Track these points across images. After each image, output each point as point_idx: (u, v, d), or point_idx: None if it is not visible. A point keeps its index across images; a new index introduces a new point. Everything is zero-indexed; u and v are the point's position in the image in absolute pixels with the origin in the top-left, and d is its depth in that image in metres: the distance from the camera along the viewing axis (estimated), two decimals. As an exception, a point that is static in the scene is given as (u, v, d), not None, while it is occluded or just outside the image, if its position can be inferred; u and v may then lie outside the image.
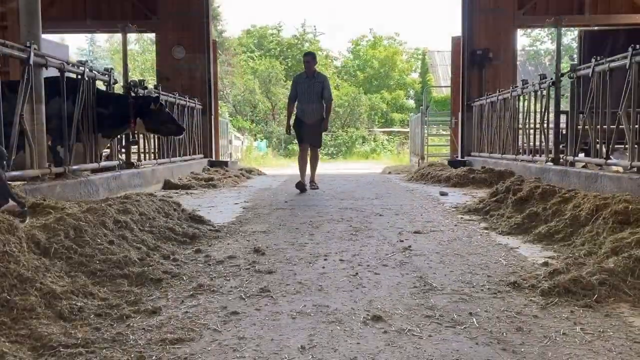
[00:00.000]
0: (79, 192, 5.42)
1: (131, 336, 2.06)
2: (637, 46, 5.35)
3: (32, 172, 4.97)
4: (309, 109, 7.90)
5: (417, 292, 2.65)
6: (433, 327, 2.17)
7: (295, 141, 8.99)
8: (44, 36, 12.05)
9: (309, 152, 8.16)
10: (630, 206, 3.44)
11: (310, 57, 8.11)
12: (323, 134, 8.23)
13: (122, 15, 11.46)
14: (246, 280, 2.88)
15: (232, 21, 71.61)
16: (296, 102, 8.07)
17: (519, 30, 11.96)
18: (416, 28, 65.81)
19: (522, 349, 1.94)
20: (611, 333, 2.08)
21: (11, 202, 3.17)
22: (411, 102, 37.23)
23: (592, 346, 1.96)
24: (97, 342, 1.99)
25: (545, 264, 3.13)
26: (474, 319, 2.24)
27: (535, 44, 38.84)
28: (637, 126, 5.44)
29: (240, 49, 34.23)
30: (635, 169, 5.33)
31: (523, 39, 38.03)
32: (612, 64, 5.81)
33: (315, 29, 38.75)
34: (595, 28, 11.76)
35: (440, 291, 2.67)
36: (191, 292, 2.65)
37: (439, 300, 2.51)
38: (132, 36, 26.95)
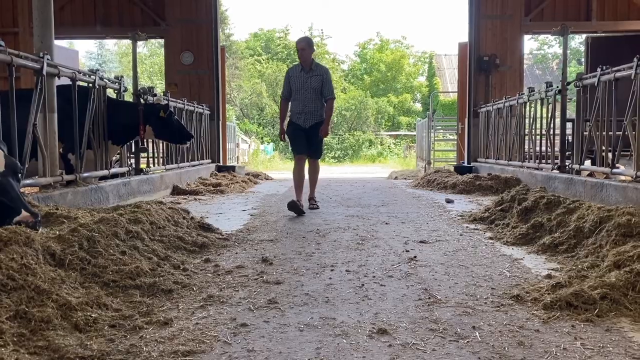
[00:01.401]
0: (89, 199, 5.52)
1: (144, 348, 2.13)
2: (643, 57, 5.39)
3: (45, 180, 5.07)
4: (306, 110, 6.40)
5: (421, 305, 2.71)
6: (437, 341, 2.22)
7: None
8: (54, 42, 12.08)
9: (306, 163, 6.65)
10: (633, 219, 3.48)
11: (305, 44, 6.49)
12: (324, 140, 6.73)
13: (132, 21, 11.61)
14: (254, 291, 2.95)
15: (240, 24, 71.83)
16: (290, 102, 6.66)
17: (526, 35, 11.98)
18: (423, 31, 65.92)
19: (523, 364, 2.00)
20: (611, 348, 2.13)
21: (24, 213, 3.25)
22: (418, 106, 37.29)
23: (591, 362, 2.02)
24: (112, 353, 2.06)
25: (549, 276, 3.18)
26: (477, 333, 2.30)
27: (543, 47, 38.81)
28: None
29: (248, 52, 34.40)
30: (640, 179, 5.36)
31: (531, 43, 38.09)
32: (618, 74, 5.85)
33: (322, 32, 38.93)
34: (602, 34, 11.79)
35: (444, 304, 2.72)
36: (201, 303, 2.72)
37: (443, 313, 2.57)
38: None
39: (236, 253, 3.96)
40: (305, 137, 6.45)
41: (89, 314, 2.37)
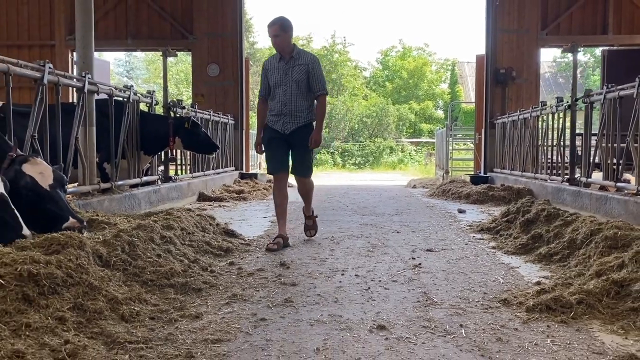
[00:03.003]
0: (123, 206, 6.00)
1: (180, 336, 2.55)
2: (644, 77, 5.67)
3: (84, 188, 5.56)
4: (286, 111, 4.92)
5: (419, 306, 3.08)
6: (427, 336, 2.60)
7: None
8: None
9: (288, 183, 5.22)
10: (619, 232, 3.79)
11: (277, 28, 4.88)
12: (314, 151, 5.18)
13: (161, 34, 12.19)
14: (273, 292, 3.35)
15: (264, 32, 72.73)
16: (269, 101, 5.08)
17: (542, 48, 12.22)
18: (446, 39, 65.99)
19: (498, 356, 2.36)
20: (576, 345, 2.48)
21: (72, 220, 3.70)
22: (440, 113, 37.43)
23: (556, 355, 2.37)
24: (154, 340, 2.48)
25: (538, 283, 3.51)
26: (463, 330, 2.67)
27: (567, 55, 38.56)
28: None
29: (271, 60, 34.91)
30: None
31: (554, 50, 37.79)
32: (622, 92, 6.13)
33: (344, 40, 39.32)
34: (619, 48, 11.97)
35: (439, 306, 3.09)
36: (227, 301, 3.13)
37: (437, 314, 2.93)
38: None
39: (257, 257, 4.37)
40: (286, 148, 5.00)
41: (132, 307, 2.80)
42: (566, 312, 2.88)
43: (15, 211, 3.14)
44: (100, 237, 3.59)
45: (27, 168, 3.71)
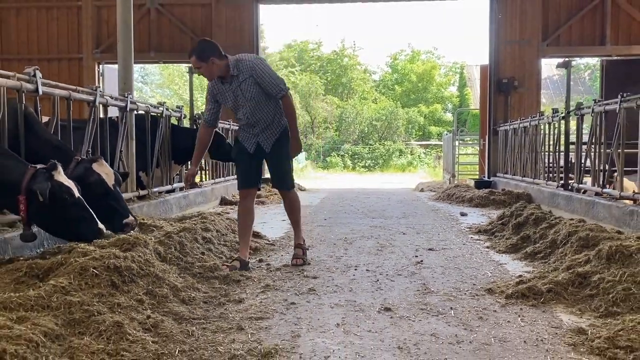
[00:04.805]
0: (159, 210, 6.74)
1: (230, 315, 3.26)
2: (625, 94, 6.32)
3: (126, 195, 6.27)
4: (258, 130, 4.55)
5: (419, 294, 3.77)
6: (424, 316, 3.29)
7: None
8: (110, 66, 13.55)
9: (255, 198, 4.99)
10: (591, 233, 4.46)
11: (194, 60, 4.47)
12: (291, 160, 4.75)
13: (182, 48, 12.93)
14: (298, 283, 4.06)
15: (274, 36, 73.54)
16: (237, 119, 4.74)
17: (543, 59, 12.85)
18: (454, 42, 66.38)
19: (477, 329, 3.05)
20: (540, 322, 3.16)
21: (130, 217, 4.42)
22: (449, 115, 37.98)
23: (522, 329, 3.05)
24: (210, 317, 3.20)
25: (520, 276, 4.17)
26: (452, 311, 3.36)
27: (574, 58, 38.95)
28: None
29: (282, 64, 35.72)
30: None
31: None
32: (607, 107, 6.79)
33: (354, 44, 39.93)
34: (617, 58, 12.56)
35: (435, 293, 3.78)
36: (261, 290, 3.84)
37: (432, 299, 3.63)
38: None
39: (281, 255, 5.08)
40: (256, 162, 4.67)
41: (189, 293, 3.51)
42: (537, 298, 3.55)
43: (90, 210, 3.85)
44: (152, 238, 4.31)
45: (96, 167, 4.39)
